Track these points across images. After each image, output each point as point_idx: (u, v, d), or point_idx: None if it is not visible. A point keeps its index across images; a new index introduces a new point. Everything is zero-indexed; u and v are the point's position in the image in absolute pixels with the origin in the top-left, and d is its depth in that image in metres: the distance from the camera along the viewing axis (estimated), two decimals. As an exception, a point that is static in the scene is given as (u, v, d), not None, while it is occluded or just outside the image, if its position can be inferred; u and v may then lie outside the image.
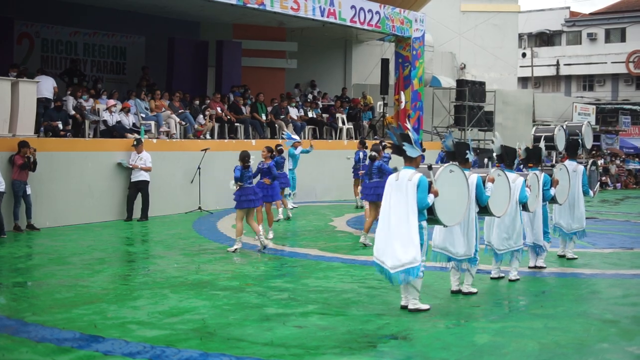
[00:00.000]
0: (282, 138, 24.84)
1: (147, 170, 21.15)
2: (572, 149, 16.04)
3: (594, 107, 54.41)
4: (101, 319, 10.06)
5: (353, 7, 28.43)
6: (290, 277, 13.63)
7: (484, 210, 12.15)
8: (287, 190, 23.36)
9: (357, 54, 38.49)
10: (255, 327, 9.69)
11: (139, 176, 21.12)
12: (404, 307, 10.81)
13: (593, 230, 19.62)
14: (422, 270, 10.60)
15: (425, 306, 10.79)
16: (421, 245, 10.59)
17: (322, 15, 27.16)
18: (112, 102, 22.42)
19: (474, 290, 12.18)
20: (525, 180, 13.18)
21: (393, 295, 11.60)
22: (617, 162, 47.86)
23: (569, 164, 15.68)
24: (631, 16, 74.02)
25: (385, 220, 10.80)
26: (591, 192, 16.37)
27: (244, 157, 16.30)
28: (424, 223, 10.77)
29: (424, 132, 33.69)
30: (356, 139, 29.52)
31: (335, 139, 29.88)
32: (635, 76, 73.30)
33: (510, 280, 13.25)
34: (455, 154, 12.23)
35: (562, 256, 15.69)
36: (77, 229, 19.20)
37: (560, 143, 16.08)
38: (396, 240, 10.58)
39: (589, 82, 76.73)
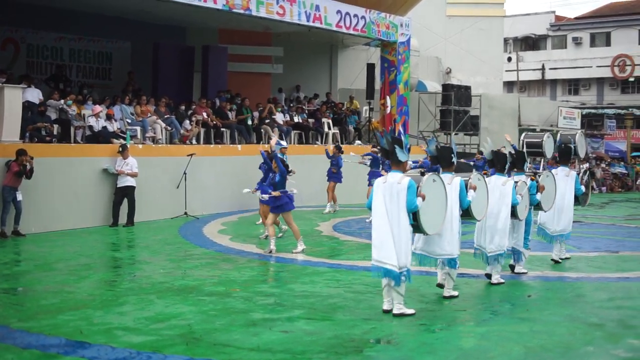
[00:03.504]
0: (268, 143, 24.87)
1: (134, 175, 21.11)
2: (565, 155, 16.15)
3: (580, 111, 54.57)
4: (87, 324, 10.03)
5: (339, 12, 28.46)
6: (276, 282, 13.67)
7: (465, 213, 12.28)
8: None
9: (342, 58, 38.51)
10: (242, 333, 9.69)
11: (125, 182, 21.07)
12: (387, 311, 10.85)
13: (579, 233, 19.71)
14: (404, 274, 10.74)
15: (410, 311, 10.83)
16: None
17: (308, 20, 27.18)
18: (98, 108, 22.37)
19: (455, 293, 12.25)
20: (516, 185, 13.41)
21: (379, 300, 11.61)
22: (603, 165, 48.03)
23: (562, 169, 15.83)
24: (616, 20, 74.32)
25: (381, 224, 10.91)
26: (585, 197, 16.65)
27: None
28: (410, 227, 10.91)
29: (410, 136, 33.72)
30: (342, 143, 29.56)
31: (322, 143, 29.88)
32: (620, 80, 73.54)
33: (493, 284, 13.34)
34: (439, 158, 12.49)
35: (556, 262, 15.74)
36: (63, 234, 19.15)
37: (549, 150, 16.26)
38: (391, 242, 10.73)
39: (574, 86, 76.93)
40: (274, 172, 16.86)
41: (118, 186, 21.12)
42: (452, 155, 12.36)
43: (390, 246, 10.74)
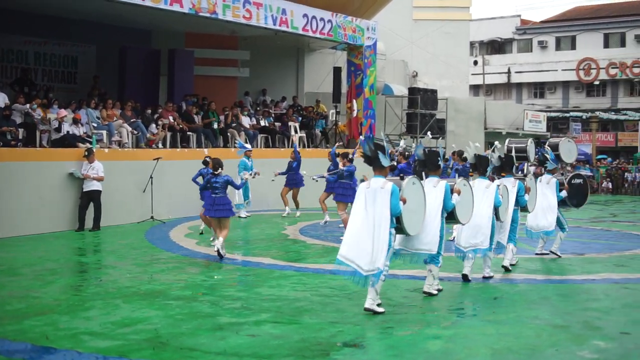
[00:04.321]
0: (235, 147, 24.85)
1: (100, 179, 21.00)
2: (540, 163, 16.73)
3: (545, 114, 54.97)
4: (53, 330, 9.98)
5: (305, 15, 28.53)
6: (243, 285, 13.64)
7: (450, 216, 12.85)
8: (240, 199, 23.42)
9: (309, 62, 38.56)
10: (208, 337, 9.68)
11: (91, 186, 20.97)
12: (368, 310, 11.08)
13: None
14: (385, 274, 11.11)
15: (380, 309, 11.00)
16: (387, 250, 11.08)
17: (275, 24, 27.24)
18: (63, 112, 22.25)
19: (434, 292, 12.49)
20: (498, 188, 14.00)
21: (346, 303, 11.67)
22: (568, 168, 48.25)
23: (545, 177, 16.97)
24: (581, 24, 74.90)
25: (358, 225, 11.17)
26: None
27: (217, 164, 16.30)
28: (393, 230, 11.31)
29: (376, 139, 33.77)
30: (309, 147, 29.61)
31: (288, 147, 29.87)
32: (586, 83, 74.11)
33: (485, 277, 14.11)
34: (427, 162, 12.97)
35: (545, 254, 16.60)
36: (28, 239, 19.05)
37: (532, 155, 17.37)
38: (369, 244, 10.98)
39: (539, 89, 77.46)
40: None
41: (84, 190, 21.01)
42: (439, 159, 12.93)
43: (366, 248, 10.99)
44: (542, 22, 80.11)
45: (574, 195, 17.60)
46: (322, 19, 29.43)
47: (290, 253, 17.38)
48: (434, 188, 12.46)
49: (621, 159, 58.52)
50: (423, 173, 12.81)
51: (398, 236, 12.09)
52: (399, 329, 10.23)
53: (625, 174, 51.30)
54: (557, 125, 70.23)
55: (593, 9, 79.54)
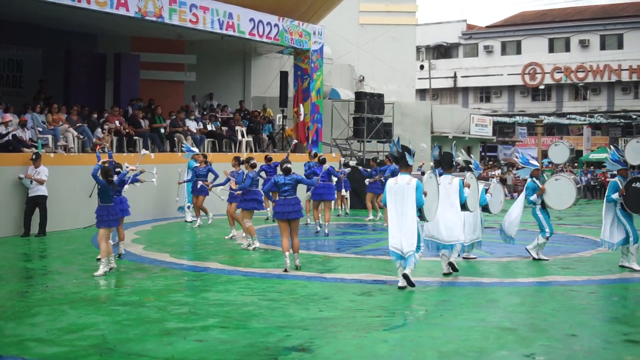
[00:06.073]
0: (182, 151, 24.79)
1: (40, 182, 20.77)
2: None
3: (491, 118, 55.43)
4: (-2, 336, 9.93)
5: (252, 19, 28.56)
6: (190, 291, 13.61)
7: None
8: (185, 203, 23.38)
9: (256, 66, 38.57)
10: (156, 342, 9.67)
11: (36, 191, 20.78)
12: (402, 288, 13.44)
13: (492, 239, 20.02)
14: (422, 251, 13.66)
15: (413, 280, 13.52)
16: (418, 235, 13.45)
17: (221, 28, 27.23)
18: (8, 116, 22.04)
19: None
20: (462, 182, 15.35)
21: (294, 307, 11.72)
22: (514, 172, 48.74)
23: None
24: (526, 29, 75.80)
25: (393, 219, 13.58)
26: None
27: (107, 172, 15.58)
28: (417, 218, 13.51)
29: (323, 144, 33.89)
30: (256, 151, 29.60)
31: (235, 151, 29.81)
32: (531, 88, 74.91)
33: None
34: (442, 162, 15.41)
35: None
36: (-28, 245, 18.88)
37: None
38: (404, 231, 13.36)
39: (485, 93, 78.22)
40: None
41: (29, 195, 20.82)
42: (453, 159, 15.52)
43: (401, 236, 13.40)
44: (487, 27, 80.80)
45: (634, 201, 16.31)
46: (268, 23, 29.47)
47: (237, 258, 17.37)
48: (448, 185, 14.86)
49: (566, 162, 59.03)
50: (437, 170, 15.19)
51: (428, 228, 14.69)
52: (347, 332, 10.29)
53: (571, 177, 51.68)
54: (503, 129, 70.90)
55: (538, 14, 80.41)
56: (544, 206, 17.63)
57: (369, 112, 34.97)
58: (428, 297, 13.07)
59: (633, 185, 16.15)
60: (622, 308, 12.73)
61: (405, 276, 13.38)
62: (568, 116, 71.95)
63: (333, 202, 25.26)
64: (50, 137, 22.94)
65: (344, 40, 44.37)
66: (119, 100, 28.71)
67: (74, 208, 22.47)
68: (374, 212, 26.18)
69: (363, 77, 45.51)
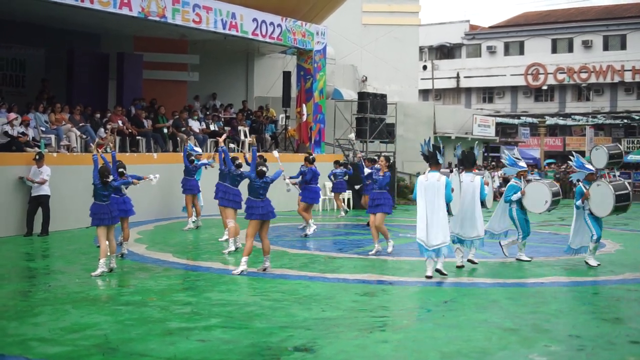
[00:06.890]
0: (186, 150, 24.78)
1: (42, 182, 20.77)
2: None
3: (494, 118, 55.37)
4: (1, 336, 9.92)
5: (255, 20, 28.56)
6: (192, 290, 13.60)
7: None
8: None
9: (259, 66, 38.54)
10: (158, 342, 9.67)
11: (39, 190, 20.78)
12: (429, 277, 14.44)
13: (494, 240, 19.99)
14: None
15: (445, 272, 14.65)
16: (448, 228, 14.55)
17: (224, 28, 27.22)
18: (12, 115, 22.02)
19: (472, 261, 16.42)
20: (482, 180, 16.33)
21: (296, 307, 11.72)
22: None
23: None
24: (530, 30, 75.68)
25: (422, 213, 14.44)
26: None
27: (104, 172, 15.86)
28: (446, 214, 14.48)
29: (326, 144, 33.88)
30: (259, 151, 29.57)
31: (238, 151, 29.77)
32: (534, 88, 74.83)
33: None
34: (464, 161, 16.43)
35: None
36: (-25, 244, 18.88)
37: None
38: (436, 225, 14.30)
39: (488, 94, 78.12)
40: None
41: (32, 195, 20.82)
42: (475, 159, 16.50)
43: (430, 230, 14.31)
44: (490, 27, 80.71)
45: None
46: (271, 23, 29.48)
47: (240, 257, 17.30)
48: (470, 182, 15.83)
49: (569, 163, 58.98)
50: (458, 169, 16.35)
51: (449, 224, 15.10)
52: (349, 332, 10.29)
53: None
54: (506, 130, 70.83)
55: (541, 15, 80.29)
56: (522, 207, 17.66)
57: (371, 112, 34.90)
58: (430, 298, 13.07)
59: (597, 186, 16.69)
60: (625, 309, 12.70)
61: (438, 271, 14.50)
62: (571, 117, 71.83)
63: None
64: (53, 136, 22.93)
65: (347, 40, 44.33)
66: (122, 100, 28.68)
67: (77, 208, 22.41)
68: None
69: (366, 78, 45.46)
